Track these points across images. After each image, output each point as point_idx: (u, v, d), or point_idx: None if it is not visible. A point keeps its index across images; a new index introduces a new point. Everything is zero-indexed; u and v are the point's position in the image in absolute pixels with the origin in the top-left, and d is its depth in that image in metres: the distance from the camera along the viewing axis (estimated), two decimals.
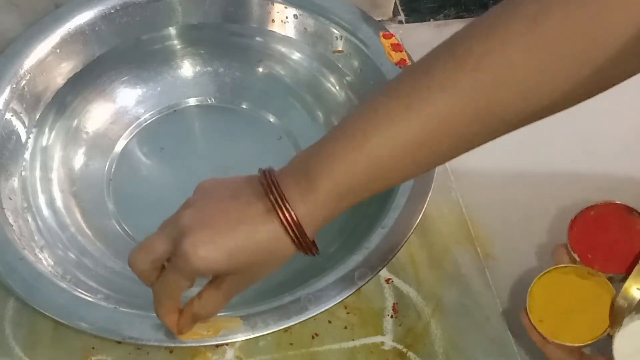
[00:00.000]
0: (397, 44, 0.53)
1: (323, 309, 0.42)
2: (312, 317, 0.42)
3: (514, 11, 0.30)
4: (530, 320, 0.43)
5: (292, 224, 0.33)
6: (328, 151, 0.33)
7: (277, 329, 0.41)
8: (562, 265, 0.45)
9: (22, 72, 0.51)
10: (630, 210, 0.46)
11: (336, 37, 0.55)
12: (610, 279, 0.44)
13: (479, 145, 0.33)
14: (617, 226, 0.46)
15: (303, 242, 0.34)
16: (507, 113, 0.31)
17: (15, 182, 0.49)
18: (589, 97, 0.32)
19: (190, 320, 0.38)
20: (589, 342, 0.42)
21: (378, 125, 0.32)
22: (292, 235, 0.33)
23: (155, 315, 0.41)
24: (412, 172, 0.34)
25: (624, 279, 0.43)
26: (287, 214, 0.33)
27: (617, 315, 0.42)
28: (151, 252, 0.35)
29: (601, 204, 0.47)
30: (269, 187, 0.34)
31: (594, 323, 0.43)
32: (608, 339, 0.42)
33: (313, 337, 0.47)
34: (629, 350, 0.41)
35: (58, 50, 0.52)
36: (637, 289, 0.42)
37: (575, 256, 0.45)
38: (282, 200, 0.33)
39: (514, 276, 0.50)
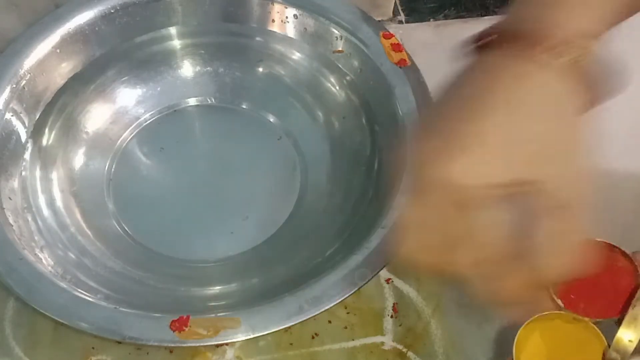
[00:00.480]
0: (397, 44, 0.53)
1: (323, 309, 0.42)
2: (312, 317, 0.42)
3: None
4: None
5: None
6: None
7: (277, 329, 0.41)
8: (546, 312, 0.43)
9: (22, 72, 0.51)
10: (611, 248, 0.45)
11: (336, 37, 0.55)
12: (596, 323, 0.43)
13: None
14: (599, 266, 0.44)
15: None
16: None
17: (15, 182, 0.49)
18: None
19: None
20: None
21: None
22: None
23: (155, 315, 0.41)
24: None
25: (616, 323, 0.42)
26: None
27: None
28: None
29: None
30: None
31: None
32: None
33: (313, 337, 0.47)
34: None
35: (58, 50, 0.52)
36: (630, 340, 0.40)
37: (559, 302, 0.43)
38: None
39: None
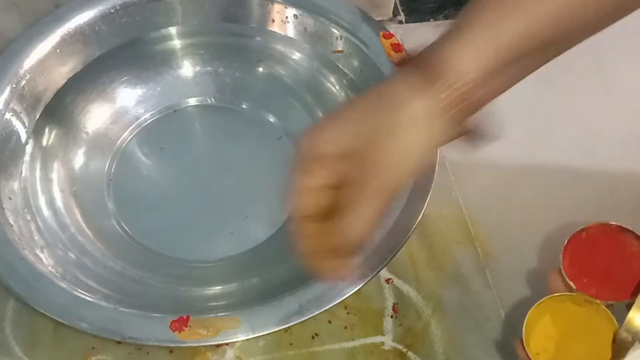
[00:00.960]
0: (397, 44, 0.53)
1: (323, 309, 0.42)
2: (312, 317, 0.42)
3: None
4: (526, 353, 0.42)
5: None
6: (460, 39, 0.33)
7: (277, 329, 0.41)
8: (557, 294, 0.43)
9: (22, 72, 0.51)
10: (624, 231, 0.45)
11: (336, 37, 0.55)
12: (608, 306, 0.42)
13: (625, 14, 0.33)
14: (612, 248, 0.44)
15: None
16: None
17: (15, 182, 0.49)
18: None
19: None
20: None
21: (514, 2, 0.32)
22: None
23: (155, 315, 0.41)
24: (552, 52, 0.34)
25: (627, 306, 0.42)
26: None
27: (620, 348, 0.41)
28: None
29: (593, 225, 0.45)
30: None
31: (595, 354, 0.41)
32: None
33: (313, 337, 0.47)
34: None
35: (58, 50, 0.52)
36: None
37: (571, 283, 0.43)
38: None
39: (514, 276, 0.50)
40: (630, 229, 0.45)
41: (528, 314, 0.43)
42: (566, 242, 0.45)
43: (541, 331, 0.42)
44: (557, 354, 0.42)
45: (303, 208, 0.35)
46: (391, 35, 0.54)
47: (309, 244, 0.36)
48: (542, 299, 0.43)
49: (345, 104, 0.34)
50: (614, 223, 0.45)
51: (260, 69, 0.60)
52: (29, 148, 0.51)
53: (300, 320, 0.42)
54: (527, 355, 0.42)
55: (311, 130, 0.35)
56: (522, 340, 0.42)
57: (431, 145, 0.34)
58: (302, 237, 0.36)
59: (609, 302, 0.43)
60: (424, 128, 0.33)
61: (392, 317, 0.48)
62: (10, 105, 0.50)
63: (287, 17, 0.56)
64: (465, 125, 0.34)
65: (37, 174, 0.51)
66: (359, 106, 0.35)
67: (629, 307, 0.41)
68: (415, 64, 0.34)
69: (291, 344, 0.47)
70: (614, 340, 0.41)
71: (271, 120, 0.58)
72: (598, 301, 0.43)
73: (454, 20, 0.34)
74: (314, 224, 0.36)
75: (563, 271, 0.44)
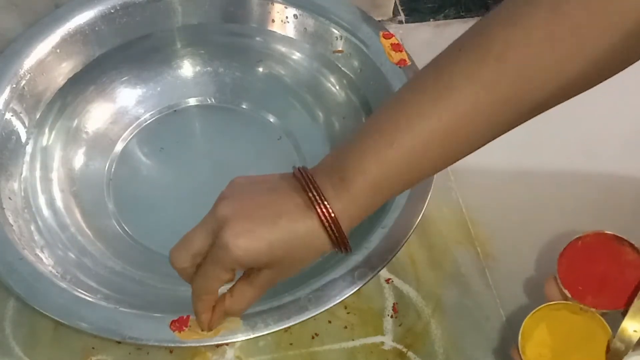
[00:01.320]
0: (397, 44, 0.53)
1: (323, 309, 0.42)
2: (312, 317, 0.42)
3: None
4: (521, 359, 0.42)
5: (330, 220, 0.33)
6: (359, 148, 0.34)
7: (277, 329, 0.41)
8: (553, 302, 0.43)
9: (22, 72, 0.51)
10: (619, 240, 0.45)
11: (336, 37, 0.55)
12: (603, 314, 0.43)
13: (509, 129, 0.34)
14: (607, 257, 0.45)
15: (339, 238, 0.34)
16: (533, 98, 0.32)
17: (15, 182, 0.49)
18: (606, 78, 0.32)
19: (221, 317, 0.39)
20: None
21: (407, 119, 0.33)
22: (330, 232, 0.34)
23: (155, 315, 0.41)
24: (444, 163, 0.35)
25: (622, 314, 0.42)
26: (324, 210, 0.33)
27: (614, 357, 0.41)
28: (190, 247, 0.36)
29: (590, 234, 0.45)
30: (307, 184, 0.34)
31: None
32: None
33: (313, 337, 0.47)
34: None
35: (58, 50, 0.52)
36: (635, 330, 0.40)
37: (566, 292, 0.43)
38: (319, 196, 0.33)
39: (514, 276, 0.50)
40: (625, 238, 0.45)
41: (524, 322, 0.43)
42: (562, 250, 0.45)
43: (537, 339, 0.43)
44: None
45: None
46: (391, 35, 0.54)
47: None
48: (538, 307, 0.43)
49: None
50: (609, 232, 0.45)
51: (260, 69, 0.60)
52: (29, 148, 0.51)
53: (300, 320, 0.42)
54: None
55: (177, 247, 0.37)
56: (518, 348, 0.42)
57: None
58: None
59: (604, 311, 0.43)
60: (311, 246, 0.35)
61: (392, 317, 0.48)
62: (11, 105, 0.50)
63: (287, 17, 0.56)
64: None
65: (37, 174, 0.51)
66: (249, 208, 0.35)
67: (624, 314, 0.41)
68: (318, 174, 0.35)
69: (291, 344, 0.47)
70: (608, 349, 0.41)
71: (271, 120, 0.58)
72: (593, 309, 0.43)
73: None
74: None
75: (558, 279, 0.44)
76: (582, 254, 0.45)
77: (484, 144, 0.34)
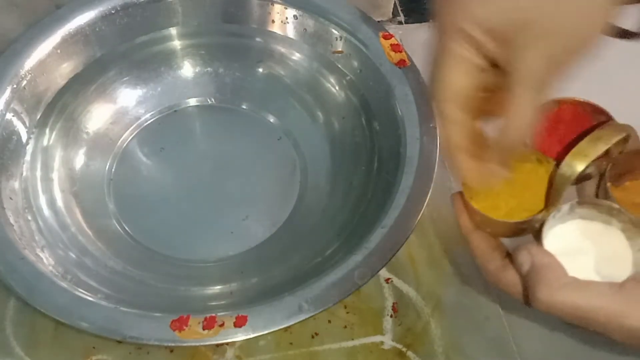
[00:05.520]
0: (397, 44, 0.53)
1: (323, 309, 0.42)
2: (312, 316, 0.42)
3: None
4: (464, 198, 0.41)
5: None
6: None
7: (277, 329, 0.41)
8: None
9: (22, 72, 0.51)
10: (600, 111, 0.43)
11: (336, 38, 0.55)
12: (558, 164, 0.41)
13: None
14: (579, 126, 0.43)
15: None
16: None
17: (16, 182, 0.49)
18: None
19: (497, 153, 0.33)
20: (522, 219, 0.40)
21: None
22: None
23: (155, 314, 0.41)
24: None
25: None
26: None
27: (558, 187, 0.39)
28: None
29: (568, 100, 0.43)
30: None
31: (531, 203, 0.40)
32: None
33: (313, 337, 0.47)
34: (556, 248, 0.38)
35: (59, 51, 0.52)
36: (585, 155, 0.38)
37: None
38: None
39: None
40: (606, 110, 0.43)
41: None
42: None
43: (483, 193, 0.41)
44: (493, 202, 0.41)
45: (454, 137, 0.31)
46: (391, 36, 0.54)
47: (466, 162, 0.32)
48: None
49: None
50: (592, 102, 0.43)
51: (260, 70, 0.60)
52: (29, 148, 0.51)
53: (300, 320, 0.42)
54: (463, 200, 0.41)
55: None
56: (460, 192, 0.41)
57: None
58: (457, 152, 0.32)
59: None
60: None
61: (391, 316, 0.48)
62: (11, 106, 0.50)
63: (287, 18, 0.56)
64: None
65: (38, 174, 0.52)
66: None
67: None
68: None
69: (291, 343, 0.47)
70: (553, 179, 0.40)
71: (271, 120, 0.58)
72: (550, 159, 0.41)
73: None
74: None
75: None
76: (555, 117, 0.43)
77: None
